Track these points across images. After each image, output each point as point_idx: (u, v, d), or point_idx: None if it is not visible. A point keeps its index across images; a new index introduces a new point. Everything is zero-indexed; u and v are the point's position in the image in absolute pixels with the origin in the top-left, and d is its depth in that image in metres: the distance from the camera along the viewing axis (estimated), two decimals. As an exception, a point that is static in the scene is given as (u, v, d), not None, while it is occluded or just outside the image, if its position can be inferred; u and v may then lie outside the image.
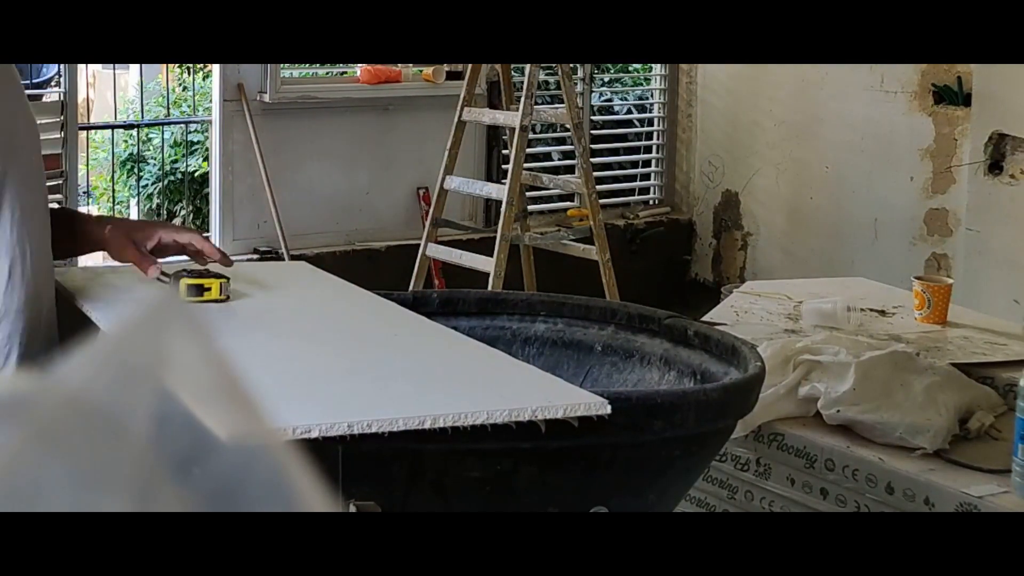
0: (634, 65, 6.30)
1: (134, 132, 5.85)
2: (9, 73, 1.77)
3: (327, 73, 5.49)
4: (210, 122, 5.16)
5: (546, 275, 4.91)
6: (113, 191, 5.83)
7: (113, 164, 5.79)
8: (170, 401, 0.55)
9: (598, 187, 4.94)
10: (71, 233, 1.98)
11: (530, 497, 1.66)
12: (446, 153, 4.78)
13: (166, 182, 5.84)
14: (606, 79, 6.23)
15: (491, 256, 4.48)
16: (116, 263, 2.00)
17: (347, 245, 5.28)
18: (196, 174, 5.71)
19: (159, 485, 0.54)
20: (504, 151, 5.34)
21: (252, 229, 5.09)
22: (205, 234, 1.97)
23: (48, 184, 1.91)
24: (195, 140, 5.70)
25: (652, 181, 6.19)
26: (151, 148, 6.03)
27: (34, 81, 6.30)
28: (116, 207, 5.99)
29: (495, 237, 4.53)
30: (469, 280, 4.46)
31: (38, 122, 1.87)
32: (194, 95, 5.87)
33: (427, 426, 1.47)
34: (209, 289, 1.94)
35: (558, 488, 1.69)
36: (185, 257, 2.01)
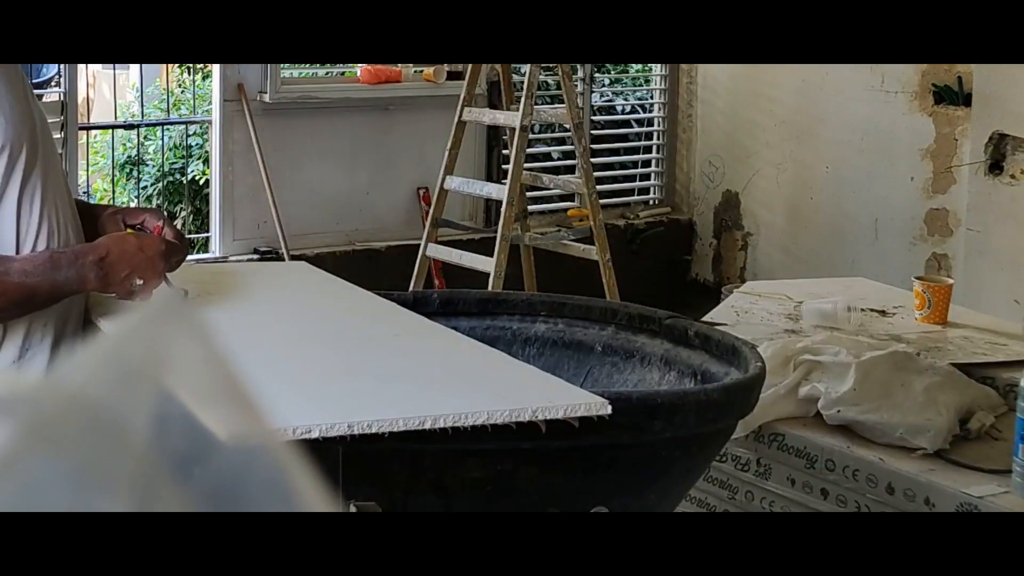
0: (634, 65, 6.30)
1: (133, 137, 5.84)
2: (19, 73, 1.82)
3: (327, 73, 5.49)
4: (210, 123, 5.16)
5: (546, 275, 4.90)
6: (113, 192, 5.82)
7: (113, 165, 5.78)
8: (170, 401, 0.55)
9: (598, 187, 4.94)
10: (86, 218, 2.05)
11: (530, 497, 1.66)
12: (446, 153, 4.78)
13: (165, 183, 5.84)
14: (606, 80, 6.23)
15: (491, 256, 4.48)
16: None
17: (347, 245, 5.28)
18: (196, 179, 5.70)
19: (159, 485, 0.54)
20: (504, 151, 5.34)
21: (252, 229, 5.09)
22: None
23: None
24: (194, 144, 5.68)
25: (652, 181, 6.18)
26: (150, 152, 6.02)
27: (34, 81, 6.29)
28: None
29: (495, 237, 4.52)
30: (469, 280, 4.45)
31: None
32: (194, 96, 5.86)
33: (427, 426, 1.47)
34: None
35: (559, 488, 1.69)
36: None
